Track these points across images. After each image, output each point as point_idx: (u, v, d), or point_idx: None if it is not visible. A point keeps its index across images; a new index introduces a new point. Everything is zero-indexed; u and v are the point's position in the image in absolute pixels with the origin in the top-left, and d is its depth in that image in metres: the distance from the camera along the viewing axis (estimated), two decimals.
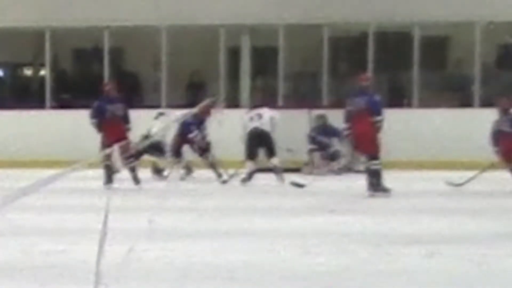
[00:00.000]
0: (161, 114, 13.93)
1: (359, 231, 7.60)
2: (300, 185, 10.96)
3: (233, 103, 15.78)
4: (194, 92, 16.52)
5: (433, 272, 5.60)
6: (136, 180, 11.77)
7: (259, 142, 12.56)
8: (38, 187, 2.74)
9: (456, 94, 16.58)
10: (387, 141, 10.94)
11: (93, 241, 3.39)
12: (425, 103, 15.70)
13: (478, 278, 5.42)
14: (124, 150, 11.25)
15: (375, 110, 10.70)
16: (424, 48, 15.73)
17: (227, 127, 12.76)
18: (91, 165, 3.40)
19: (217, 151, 13.09)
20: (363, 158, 11.69)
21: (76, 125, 14.10)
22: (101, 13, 15.90)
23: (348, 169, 13.95)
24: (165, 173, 13.38)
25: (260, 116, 12.72)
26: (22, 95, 17.44)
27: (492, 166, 11.42)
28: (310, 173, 13.92)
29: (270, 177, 12.41)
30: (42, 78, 16.97)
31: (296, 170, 13.69)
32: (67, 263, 5.92)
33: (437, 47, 16.49)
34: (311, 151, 14.57)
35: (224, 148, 12.99)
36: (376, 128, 10.67)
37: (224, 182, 12.51)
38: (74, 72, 17.76)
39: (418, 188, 11.27)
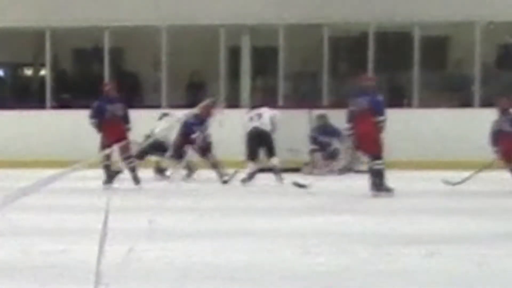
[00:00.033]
0: (165, 114, 13.93)
1: (359, 231, 7.61)
2: (302, 186, 10.95)
3: (233, 103, 15.78)
4: (194, 92, 16.52)
5: (433, 272, 5.60)
6: (136, 180, 11.77)
7: (259, 142, 12.56)
8: (38, 187, 2.74)
9: (456, 94, 16.59)
10: (387, 141, 10.94)
11: (93, 241, 3.39)
12: (425, 103, 15.70)
13: (478, 278, 5.42)
14: (124, 150, 11.27)
15: (377, 110, 10.70)
16: (424, 48, 15.74)
17: (227, 127, 12.75)
18: (91, 165, 3.40)
19: (217, 151, 13.10)
20: (363, 158, 11.70)
21: (76, 125, 14.10)
22: (101, 13, 15.91)
23: (348, 169, 13.98)
24: (167, 173, 13.39)
25: (260, 116, 12.72)
26: (23, 95, 17.44)
27: (489, 166, 11.44)
28: (310, 173, 13.93)
29: (270, 177, 12.41)
30: (42, 78, 16.97)
31: (296, 170, 13.69)
32: (67, 263, 5.92)
33: (437, 47, 16.49)
34: (312, 151, 14.58)
35: (225, 148, 12.98)
36: (378, 128, 10.67)
37: (225, 182, 12.51)
38: (74, 72, 17.76)
39: (418, 188, 11.28)
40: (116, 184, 11.43)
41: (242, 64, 16.39)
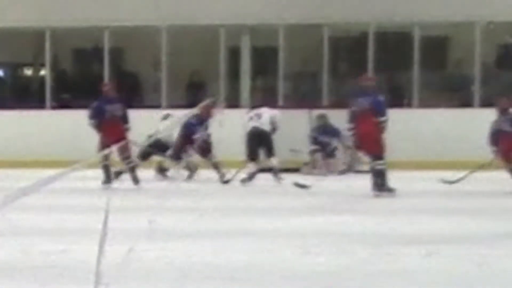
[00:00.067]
0: (168, 115, 13.93)
1: (359, 231, 7.60)
2: (304, 186, 10.94)
3: (233, 103, 15.78)
4: (194, 92, 16.52)
5: (433, 272, 5.60)
6: (136, 180, 11.77)
7: (258, 142, 12.55)
8: (38, 187, 2.74)
9: (456, 94, 16.59)
10: (387, 141, 10.93)
11: (93, 241, 3.39)
12: (425, 103, 15.71)
13: (478, 278, 5.42)
14: (123, 150, 11.28)
15: (379, 110, 10.70)
16: (424, 48, 15.74)
17: (227, 127, 12.74)
18: (91, 165, 3.40)
19: (217, 151, 13.10)
20: (364, 159, 11.69)
21: (76, 125, 14.10)
22: (101, 13, 15.91)
23: (348, 169, 13.99)
24: (169, 173, 13.39)
25: (259, 116, 12.71)
26: (22, 95, 17.45)
27: (487, 165, 11.46)
28: (309, 173, 13.94)
29: (270, 177, 12.42)
30: (42, 78, 16.97)
31: (295, 170, 13.70)
32: (67, 263, 5.92)
33: (437, 47, 16.50)
34: (313, 151, 14.58)
35: (225, 148, 12.98)
36: (380, 128, 10.67)
37: (226, 182, 12.50)
38: (74, 72, 17.77)
39: (418, 188, 11.28)
40: (116, 184, 11.43)
41: (242, 64, 16.39)
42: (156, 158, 13.66)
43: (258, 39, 16.35)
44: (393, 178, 10.81)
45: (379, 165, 10.60)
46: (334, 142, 14.49)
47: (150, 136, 12.41)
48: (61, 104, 16.63)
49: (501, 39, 16.37)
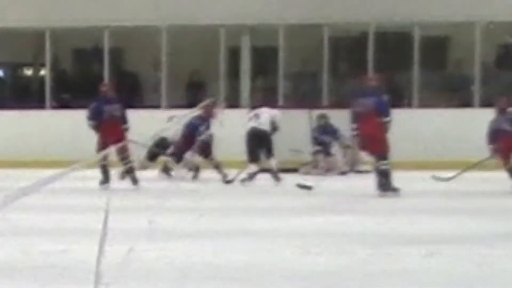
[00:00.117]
0: (173, 117, 13.94)
1: (359, 231, 7.60)
2: (307, 187, 10.92)
3: (233, 103, 15.78)
4: (194, 92, 16.52)
5: (433, 272, 5.60)
6: (135, 181, 11.75)
7: (258, 142, 12.52)
8: (38, 187, 2.74)
9: (456, 94, 16.59)
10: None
11: (93, 241, 3.39)
12: (425, 103, 15.71)
13: (478, 278, 5.42)
14: (122, 151, 11.28)
15: (383, 110, 10.71)
16: (424, 48, 15.74)
17: (228, 127, 12.76)
18: (90, 165, 3.40)
19: (217, 151, 13.11)
20: (365, 159, 11.69)
21: (76, 125, 14.08)
22: (101, 13, 15.91)
23: (350, 168, 14.00)
24: (173, 173, 13.41)
25: (258, 117, 12.70)
26: (22, 95, 17.45)
27: (482, 163, 11.52)
28: (308, 173, 13.94)
29: (270, 177, 12.41)
30: (42, 78, 16.97)
31: (293, 170, 13.70)
32: (67, 263, 5.92)
33: (437, 47, 16.50)
34: (316, 152, 14.57)
35: (225, 148, 12.99)
36: (384, 128, 10.67)
37: (228, 182, 12.50)
38: (74, 72, 17.77)
39: (418, 188, 11.27)
40: (115, 184, 11.43)
41: (242, 64, 16.39)
42: (163, 158, 13.70)
43: (258, 39, 16.35)
44: (393, 178, 10.81)
45: (383, 165, 10.60)
46: (335, 142, 14.50)
47: (153, 137, 12.46)
48: (61, 104, 16.63)
49: (501, 39, 16.37)
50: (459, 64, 16.81)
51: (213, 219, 8.39)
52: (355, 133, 11.09)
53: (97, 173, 11.44)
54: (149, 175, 12.72)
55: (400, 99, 15.83)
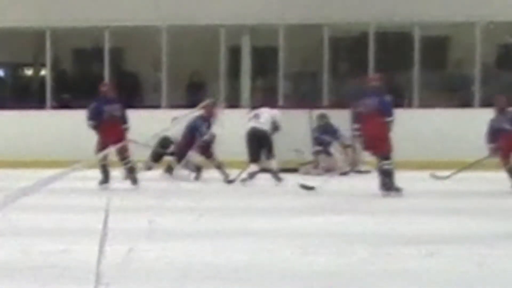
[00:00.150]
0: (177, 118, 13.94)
1: (359, 231, 7.60)
2: (309, 188, 10.92)
3: (233, 103, 15.79)
4: (194, 92, 16.53)
5: (433, 272, 5.60)
6: (134, 181, 11.75)
7: (258, 142, 12.52)
8: (38, 187, 2.74)
9: (456, 94, 16.60)
10: None
11: (93, 241, 3.39)
12: (425, 103, 15.71)
13: (478, 278, 5.42)
14: (121, 151, 11.28)
15: (386, 110, 10.71)
16: (424, 48, 15.74)
17: (228, 127, 12.77)
18: (91, 165, 3.41)
19: (218, 151, 13.11)
20: (365, 159, 11.69)
21: (76, 125, 14.08)
22: (101, 13, 15.91)
23: (350, 168, 14.00)
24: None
25: (258, 117, 12.70)
26: (23, 95, 17.45)
27: (480, 162, 11.54)
28: (307, 173, 13.95)
29: (270, 177, 12.42)
30: (43, 78, 16.98)
31: (293, 170, 13.70)
32: (67, 263, 5.92)
33: (437, 47, 16.50)
34: (317, 152, 14.58)
35: (225, 148, 12.99)
36: (387, 128, 10.68)
37: (230, 182, 12.50)
38: (74, 72, 17.77)
39: (418, 188, 11.27)
40: (115, 184, 11.43)
41: (242, 64, 16.40)
42: (167, 159, 13.72)
43: (258, 39, 16.35)
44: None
45: (386, 164, 10.60)
46: (335, 142, 14.51)
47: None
48: (61, 104, 16.64)
49: (501, 39, 16.38)
50: (459, 64, 16.81)
51: (213, 219, 8.39)
52: (357, 133, 11.08)
53: (97, 173, 11.44)
54: (149, 175, 12.73)
55: (400, 99, 15.83)
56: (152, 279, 5.39)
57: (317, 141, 14.63)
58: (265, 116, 12.66)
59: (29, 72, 18.36)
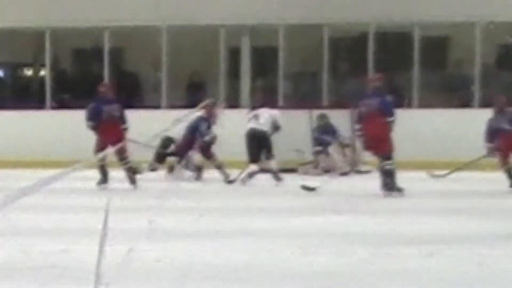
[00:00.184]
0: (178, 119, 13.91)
1: (359, 231, 7.60)
2: (310, 189, 10.92)
3: (233, 103, 15.78)
4: (194, 92, 16.52)
5: (433, 272, 5.60)
6: (132, 181, 11.75)
7: (257, 143, 12.51)
8: (38, 187, 2.74)
9: (456, 94, 16.60)
10: None
11: (93, 241, 3.39)
12: (425, 103, 15.70)
13: (478, 278, 5.42)
14: (120, 151, 11.28)
15: (387, 110, 10.72)
16: (424, 48, 15.74)
17: (228, 127, 12.77)
18: (91, 165, 3.41)
19: (218, 152, 13.11)
20: (366, 159, 11.68)
21: (76, 125, 14.07)
22: (101, 13, 15.91)
23: (350, 168, 14.01)
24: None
25: (257, 117, 12.70)
26: (22, 95, 17.45)
27: (477, 161, 11.58)
28: (306, 173, 13.96)
29: (270, 177, 12.42)
30: (42, 78, 16.98)
31: (292, 170, 13.70)
32: (67, 263, 5.92)
33: (437, 47, 16.49)
34: (317, 153, 14.58)
35: (225, 148, 12.99)
36: (388, 128, 10.68)
37: (230, 182, 12.50)
38: (74, 72, 17.77)
39: (418, 188, 11.28)
40: (114, 184, 11.44)
41: (242, 64, 16.39)
42: (170, 159, 13.73)
43: (258, 39, 16.35)
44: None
45: (388, 165, 10.61)
46: (335, 142, 14.52)
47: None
48: (61, 104, 16.63)
49: (501, 39, 16.37)
50: (459, 64, 16.81)
51: (213, 219, 8.40)
52: (359, 133, 11.09)
53: (97, 174, 11.44)
54: (150, 176, 12.73)
55: (400, 99, 15.83)
56: (152, 279, 5.39)
57: (317, 141, 14.63)
58: (265, 117, 12.65)
59: (29, 72, 18.36)
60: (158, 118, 13.45)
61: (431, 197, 10.62)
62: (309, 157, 14.67)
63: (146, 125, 12.58)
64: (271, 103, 13.94)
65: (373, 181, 10.88)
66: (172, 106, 15.29)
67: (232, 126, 12.75)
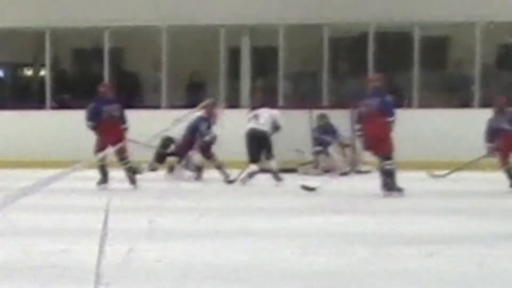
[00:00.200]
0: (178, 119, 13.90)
1: (359, 231, 7.60)
2: (311, 189, 10.92)
3: (233, 103, 15.78)
4: (194, 92, 16.52)
5: (433, 272, 5.60)
6: (132, 181, 11.74)
7: (257, 143, 12.51)
8: (38, 187, 2.74)
9: (456, 94, 16.59)
10: None
11: (93, 241, 3.39)
12: (425, 103, 15.70)
13: (478, 278, 5.42)
14: (120, 151, 11.28)
15: (387, 110, 10.72)
16: (424, 48, 15.74)
17: (228, 127, 12.77)
18: (91, 165, 3.41)
19: (218, 152, 13.11)
20: (366, 159, 11.68)
21: (76, 125, 14.08)
22: (101, 13, 15.91)
23: (350, 168, 14.01)
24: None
25: (257, 117, 12.70)
26: (22, 95, 17.45)
27: (477, 161, 11.59)
28: (306, 173, 13.95)
29: (270, 177, 12.42)
30: (42, 78, 16.98)
31: (292, 170, 13.70)
32: (67, 263, 5.92)
33: (437, 47, 16.49)
34: (317, 153, 14.58)
35: (225, 148, 12.99)
36: (388, 128, 10.69)
37: (230, 182, 12.51)
38: (74, 72, 17.77)
39: (418, 188, 11.28)
40: (114, 184, 11.44)
41: (242, 64, 16.39)
42: (170, 159, 13.74)
43: (258, 39, 16.35)
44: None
45: (388, 165, 10.61)
46: (335, 142, 14.52)
47: (167, 139, 12.53)
48: (61, 104, 16.63)
49: (501, 39, 16.37)
50: (459, 64, 16.81)
51: (213, 219, 8.40)
52: (359, 133, 11.09)
53: (97, 174, 11.44)
54: (150, 176, 12.73)
55: (400, 99, 15.82)
56: (152, 279, 5.39)
57: (317, 141, 14.63)
58: (265, 117, 12.65)
59: (29, 72, 18.36)
60: (158, 118, 13.44)
61: (431, 197, 10.62)
62: (309, 157, 14.67)
63: (146, 125, 12.58)
64: (271, 103, 13.94)
65: (373, 181, 10.88)
66: (172, 106, 15.29)
67: (232, 126, 12.74)
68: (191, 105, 13.48)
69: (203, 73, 17.09)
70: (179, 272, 5.59)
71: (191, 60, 16.71)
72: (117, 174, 11.67)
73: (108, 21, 15.98)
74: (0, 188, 4.00)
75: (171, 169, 13.49)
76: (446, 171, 12.20)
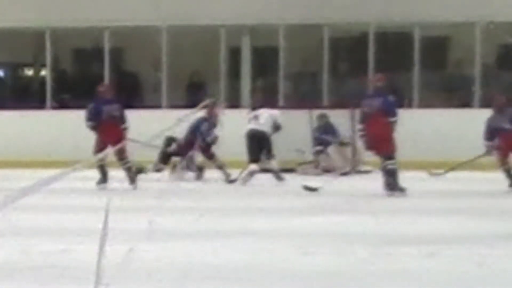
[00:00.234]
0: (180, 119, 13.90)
1: (359, 231, 7.60)
2: (313, 189, 10.92)
3: (233, 103, 15.78)
4: (194, 92, 16.52)
5: (433, 272, 5.60)
6: (132, 180, 11.74)
7: (257, 143, 12.52)
8: (38, 187, 2.74)
9: (456, 94, 16.59)
10: None
11: (93, 241, 3.39)
12: (425, 103, 15.70)
13: (478, 278, 5.42)
14: (120, 151, 11.29)
15: (390, 110, 10.73)
16: (424, 48, 15.74)
17: (228, 127, 12.78)
18: (91, 166, 3.41)
19: (218, 152, 13.11)
20: (366, 159, 11.67)
21: (76, 125, 14.07)
22: (101, 13, 15.91)
23: (351, 168, 14.01)
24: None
25: (257, 118, 12.70)
26: (23, 95, 17.45)
27: (476, 159, 11.62)
28: (306, 173, 13.95)
29: (270, 177, 12.42)
30: (43, 78, 16.97)
31: (290, 170, 13.70)
32: (67, 263, 5.92)
33: (437, 47, 16.49)
34: (317, 152, 14.58)
35: (225, 148, 12.99)
36: (391, 128, 10.69)
37: (231, 182, 12.51)
38: (74, 72, 17.77)
39: (418, 188, 11.28)
40: (114, 184, 11.43)
41: (242, 65, 16.39)
42: (174, 159, 13.73)
43: (258, 39, 16.35)
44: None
45: (390, 164, 10.61)
46: (335, 141, 14.52)
47: (169, 139, 12.54)
48: (61, 104, 16.63)
49: (501, 39, 16.36)
50: (459, 64, 16.80)
51: (213, 219, 8.40)
52: (361, 133, 11.10)
53: (97, 174, 11.44)
54: (155, 176, 12.72)
55: (400, 99, 15.81)
56: (152, 279, 5.39)
57: (317, 141, 14.64)
58: (265, 117, 12.66)
59: (29, 72, 18.36)
60: (158, 118, 13.45)
61: (431, 197, 10.62)
62: (309, 157, 14.67)
63: (146, 125, 12.59)
64: (271, 103, 13.95)
65: (374, 181, 10.89)
66: (172, 106, 15.29)
67: (232, 126, 12.74)
68: (191, 105, 13.46)
69: (203, 73, 17.09)
70: (179, 272, 5.59)
71: (191, 60, 16.71)
72: (117, 174, 11.67)
73: (108, 21, 15.98)
74: (0, 188, 3.99)
75: (173, 169, 13.50)
76: (445, 169, 12.19)
